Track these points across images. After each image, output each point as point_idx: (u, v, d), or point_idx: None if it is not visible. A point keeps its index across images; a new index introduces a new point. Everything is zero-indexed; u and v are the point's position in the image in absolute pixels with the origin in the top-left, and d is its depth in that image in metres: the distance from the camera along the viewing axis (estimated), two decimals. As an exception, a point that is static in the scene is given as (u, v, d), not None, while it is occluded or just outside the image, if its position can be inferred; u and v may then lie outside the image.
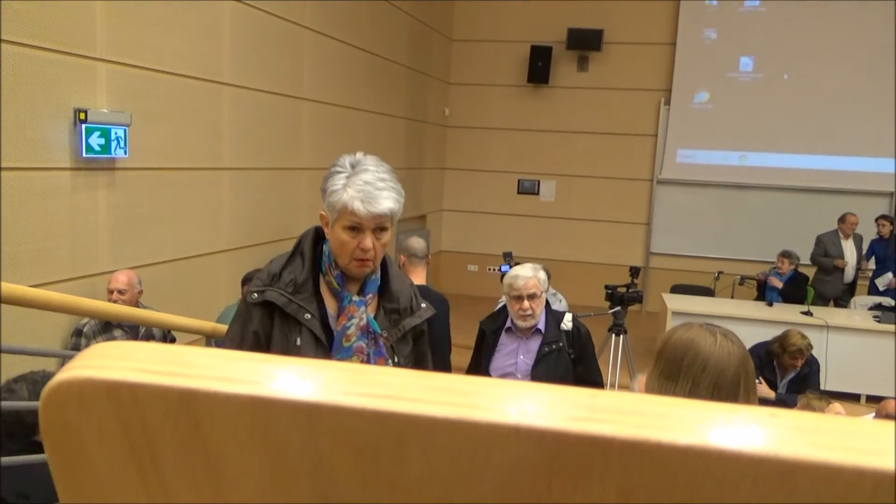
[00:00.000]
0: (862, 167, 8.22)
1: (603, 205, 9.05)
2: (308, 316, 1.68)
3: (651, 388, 1.67)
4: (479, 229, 9.36)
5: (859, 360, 5.77)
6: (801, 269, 6.66)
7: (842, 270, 7.01)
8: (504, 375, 3.00)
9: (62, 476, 0.31)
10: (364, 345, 1.71)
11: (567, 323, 3.01)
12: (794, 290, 6.56)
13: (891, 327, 5.78)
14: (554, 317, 3.03)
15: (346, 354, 1.69)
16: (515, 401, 0.28)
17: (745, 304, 6.49)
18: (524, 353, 2.98)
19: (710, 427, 0.26)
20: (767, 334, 4.76)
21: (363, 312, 1.71)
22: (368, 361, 1.70)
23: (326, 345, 1.69)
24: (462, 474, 0.28)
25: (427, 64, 8.35)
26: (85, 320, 3.47)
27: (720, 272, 7.27)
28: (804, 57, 8.20)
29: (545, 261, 7.47)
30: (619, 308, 4.93)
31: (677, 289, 7.30)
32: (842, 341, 5.77)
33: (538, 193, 9.30)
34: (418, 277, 3.37)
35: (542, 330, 2.98)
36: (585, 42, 8.69)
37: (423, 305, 1.85)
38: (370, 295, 1.75)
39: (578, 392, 0.28)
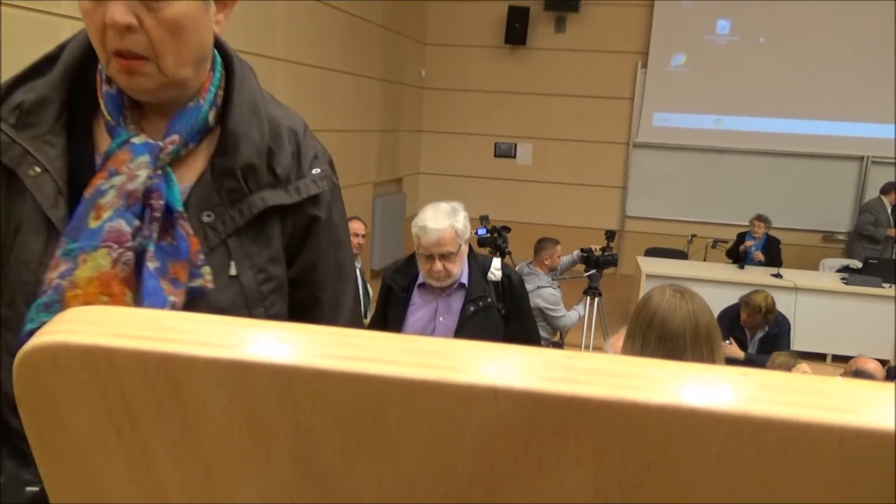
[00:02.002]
0: (835, 131, 8.31)
1: (579, 168, 9.06)
2: (36, 170, 0.90)
3: (622, 349, 1.73)
4: (455, 192, 9.31)
5: (827, 321, 5.92)
6: (771, 233, 6.77)
7: (892, 240, 6.68)
8: None
9: (39, 442, 0.31)
10: (127, 228, 0.88)
11: (495, 272, 2.47)
12: (767, 254, 6.68)
13: (858, 288, 5.92)
14: (479, 265, 2.47)
15: (85, 245, 0.87)
16: (493, 363, 0.28)
17: (718, 267, 6.59)
18: (444, 313, 2.44)
19: (682, 386, 0.26)
20: (738, 296, 4.85)
21: (141, 166, 0.89)
22: (136, 268, 0.88)
23: (58, 224, 0.89)
24: (441, 435, 0.28)
25: (403, 24, 8.20)
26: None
27: (693, 235, 7.36)
28: (781, 21, 8.20)
29: (522, 224, 7.48)
30: (594, 271, 4.97)
31: (651, 252, 7.38)
32: (810, 302, 5.91)
33: (515, 157, 9.28)
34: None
35: (466, 284, 2.40)
36: (563, 2, 8.59)
37: (317, 171, 1.03)
38: (175, 137, 0.93)
39: (554, 353, 0.29)
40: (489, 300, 2.42)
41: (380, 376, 0.28)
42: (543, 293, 4.55)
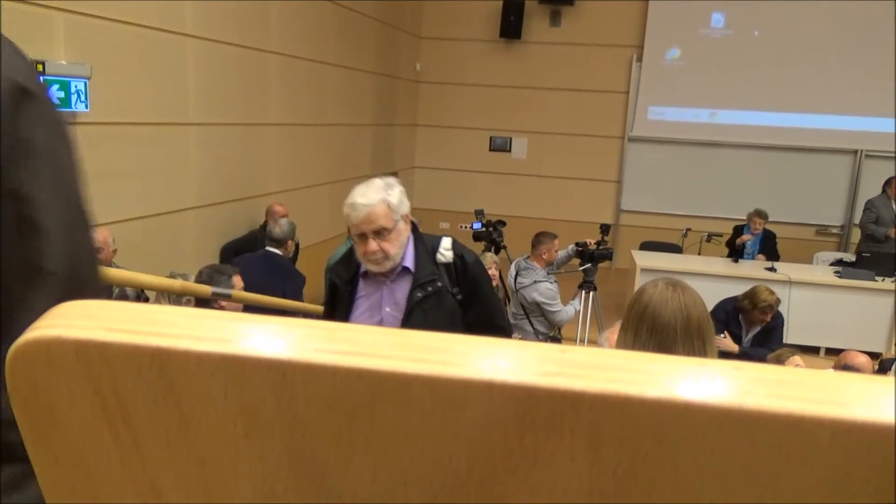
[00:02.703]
0: (829, 125, 8.33)
1: (574, 162, 9.06)
2: None
3: (616, 341, 1.73)
4: (450, 186, 9.33)
5: (820, 315, 5.95)
6: (766, 227, 6.79)
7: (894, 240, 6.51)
8: None
9: (32, 437, 0.31)
10: None
11: (445, 252, 2.21)
12: (764, 248, 6.71)
13: (851, 282, 5.95)
14: (426, 247, 2.22)
15: None
16: (487, 357, 0.28)
17: (712, 261, 6.61)
18: (390, 303, 2.21)
19: (677, 380, 0.26)
20: (733, 290, 4.87)
21: None
22: None
23: None
24: (435, 430, 0.28)
25: (398, 17, 8.18)
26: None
27: (688, 229, 7.38)
28: (775, 14, 8.21)
29: (517, 218, 7.48)
30: (589, 265, 4.98)
31: (646, 246, 7.40)
32: (804, 296, 5.93)
33: (510, 151, 9.27)
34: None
35: (412, 268, 2.19)
36: (558, -4, 8.59)
37: None
38: None
39: (549, 348, 0.29)
40: (439, 284, 2.17)
41: (374, 371, 0.28)
42: (540, 288, 4.56)
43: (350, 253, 2.26)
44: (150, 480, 0.31)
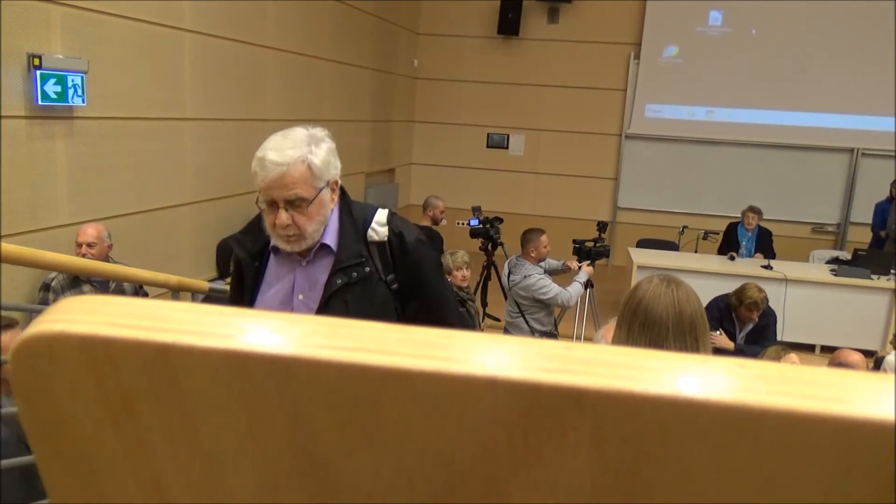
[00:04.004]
0: (826, 123, 8.35)
1: (571, 159, 9.06)
2: None
3: (612, 337, 1.74)
4: (448, 183, 9.32)
5: (815, 312, 5.96)
6: (762, 225, 6.81)
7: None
8: None
9: (36, 431, 0.31)
10: None
11: (378, 228, 1.75)
12: (760, 245, 6.72)
13: (847, 280, 5.97)
14: (355, 221, 1.75)
15: None
16: (491, 353, 0.28)
17: (709, 258, 6.62)
18: (305, 288, 1.75)
19: (680, 377, 0.27)
20: (729, 287, 4.87)
21: None
22: None
23: None
24: (439, 426, 0.28)
25: (396, 13, 8.16)
26: (53, 274, 3.40)
27: (685, 227, 7.39)
28: (772, 12, 8.21)
29: (514, 215, 7.46)
30: (587, 262, 4.98)
31: (643, 243, 7.40)
32: (800, 294, 5.95)
33: (507, 147, 9.27)
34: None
35: (335, 247, 1.72)
36: (556, -8, 8.58)
37: None
38: None
39: (552, 344, 0.29)
40: (367, 269, 1.71)
41: (378, 367, 0.28)
42: (530, 280, 4.55)
43: (259, 221, 1.75)
44: (153, 475, 0.31)
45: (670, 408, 0.26)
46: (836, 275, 6.08)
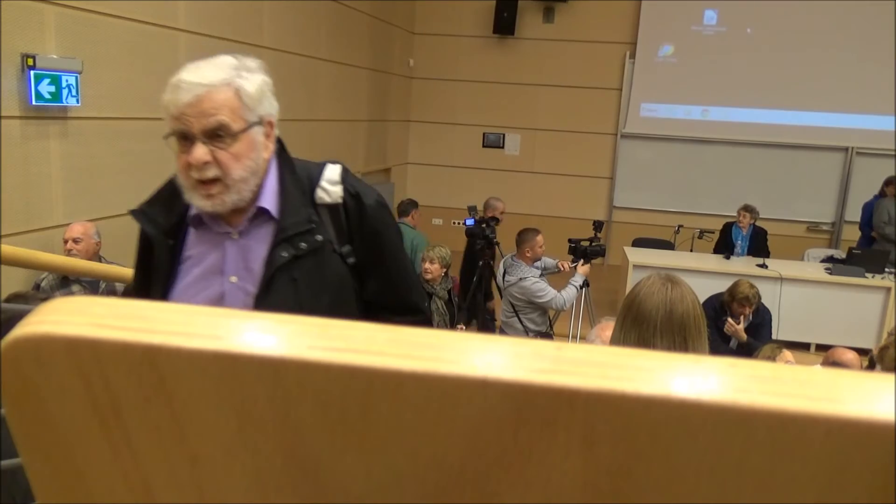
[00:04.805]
0: (820, 122, 8.37)
1: (567, 159, 9.07)
2: None
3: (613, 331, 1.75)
4: (443, 183, 9.32)
5: (810, 311, 5.98)
6: (756, 224, 6.82)
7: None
8: None
9: (23, 434, 0.31)
10: None
11: (329, 188, 1.39)
12: (754, 245, 6.73)
13: (842, 279, 5.98)
14: (298, 180, 1.38)
15: None
16: (481, 353, 0.28)
17: (704, 257, 6.63)
18: (238, 268, 1.35)
19: (671, 377, 0.26)
20: (724, 286, 4.88)
21: None
22: None
23: None
24: (429, 427, 0.28)
25: (391, 13, 8.15)
26: (43, 275, 3.39)
27: (680, 226, 7.40)
28: (767, 11, 8.23)
29: (510, 214, 7.49)
30: (581, 261, 4.98)
31: (639, 242, 7.41)
32: (794, 292, 5.96)
33: (503, 147, 9.27)
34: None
35: (275, 213, 1.34)
36: (551, -8, 8.59)
37: None
38: None
39: (544, 344, 0.29)
40: (319, 238, 1.34)
41: (367, 368, 0.28)
42: (526, 283, 4.55)
43: (171, 186, 1.37)
44: (141, 477, 0.31)
45: (662, 408, 0.26)
46: (830, 273, 6.10)
